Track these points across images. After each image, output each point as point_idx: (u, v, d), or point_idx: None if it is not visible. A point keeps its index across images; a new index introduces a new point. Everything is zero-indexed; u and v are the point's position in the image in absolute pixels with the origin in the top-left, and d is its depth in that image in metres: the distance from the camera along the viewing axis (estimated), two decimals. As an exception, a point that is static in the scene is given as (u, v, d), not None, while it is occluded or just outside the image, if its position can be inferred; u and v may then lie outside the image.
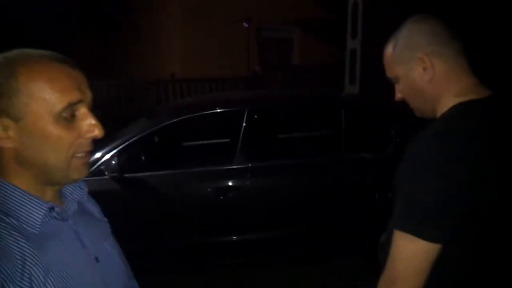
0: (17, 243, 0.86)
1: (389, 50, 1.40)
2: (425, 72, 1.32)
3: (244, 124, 3.81)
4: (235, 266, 3.89)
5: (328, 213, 3.77)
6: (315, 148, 4.04)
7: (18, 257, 0.85)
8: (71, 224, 1.00)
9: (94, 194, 3.66)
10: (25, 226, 0.90)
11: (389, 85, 1.53)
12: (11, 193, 0.91)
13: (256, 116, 3.86)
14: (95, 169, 3.64)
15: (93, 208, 1.16)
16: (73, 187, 1.06)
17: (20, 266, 0.84)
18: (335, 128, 4.01)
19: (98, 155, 3.71)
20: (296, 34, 12.92)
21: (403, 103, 1.46)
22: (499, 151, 1.25)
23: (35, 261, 0.87)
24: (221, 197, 3.63)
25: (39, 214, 0.93)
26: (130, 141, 3.72)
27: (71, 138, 0.93)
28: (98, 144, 3.88)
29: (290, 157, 3.94)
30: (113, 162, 3.57)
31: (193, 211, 3.70)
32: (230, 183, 3.70)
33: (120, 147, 3.68)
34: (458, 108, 1.28)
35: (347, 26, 5.93)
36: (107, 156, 3.65)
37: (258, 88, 8.89)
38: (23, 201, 0.92)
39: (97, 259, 1.02)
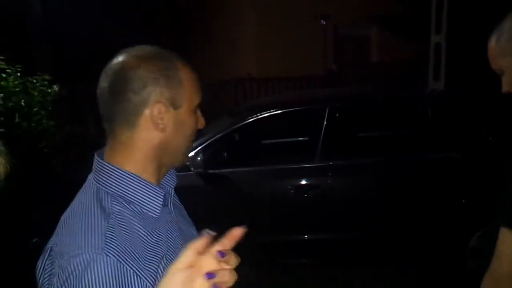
0: (140, 229, 0.93)
1: (492, 42, 1.35)
2: None
3: (325, 122, 3.79)
4: (314, 265, 3.87)
5: (410, 215, 3.65)
6: (399, 147, 3.93)
7: (142, 244, 0.92)
8: (171, 209, 1.06)
9: (181, 189, 3.80)
10: (147, 211, 0.97)
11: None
12: (133, 182, 0.98)
13: (337, 114, 3.83)
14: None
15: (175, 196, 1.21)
16: (168, 174, 1.11)
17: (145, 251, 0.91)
18: (420, 127, 3.88)
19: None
20: (373, 31, 12.64)
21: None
22: None
23: (154, 246, 0.93)
24: (305, 195, 3.64)
25: (160, 200, 1.00)
26: (214, 138, 3.83)
27: (195, 128, 1.05)
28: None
29: (372, 156, 3.87)
30: (198, 158, 3.69)
31: (273, 208, 3.74)
32: (310, 181, 3.70)
33: (205, 144, 3.80)
34: None
35: (431, 21, 5.72)
36: (193, 153, 3.78)
37: (334, 86, 8.81)
38: (145, 189, 0.98)
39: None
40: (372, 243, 3.75)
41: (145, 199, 0.98)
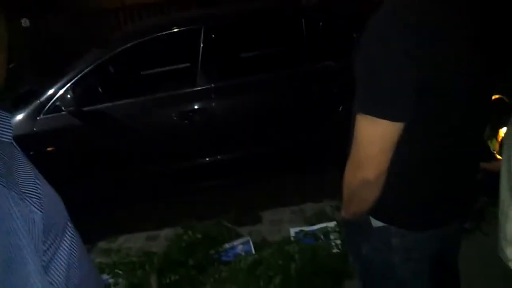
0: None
1: None
2: None
3: (202, 44, 3.65)
4: (208, 188, 3.88)
5: (294, 128, 3.74)
6: (278, 62, 3.93)
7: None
8: None
9: (54, 131, 3.49)
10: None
11: None
12: None
13: (213, 35, 3.69)
14: (50, 105, 3.47)
15: None
16: None
17: None
18: (296, 39, 3.89)
19: (51, 91, 3.52)
20: None
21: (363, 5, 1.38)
22: (465, 20, 1.20)
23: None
24: (186, 121, 3.55)
25: (10, 122, 0.81)
26: (84, 72, 3.53)
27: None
28: (50, 79, 3.68)
29: (253, 74, 3.83)
30: (69, 96, 3.40)
31: (159, 137, 3.62)
32: (194, 106, 3.60)
33: (74, 79, 3.49)
34: None
35: None
36: (62, 91, 3.47)
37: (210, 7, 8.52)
38: None
39: None
40: (265, 158, 3.81)
41: None
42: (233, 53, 4.49)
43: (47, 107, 3.47)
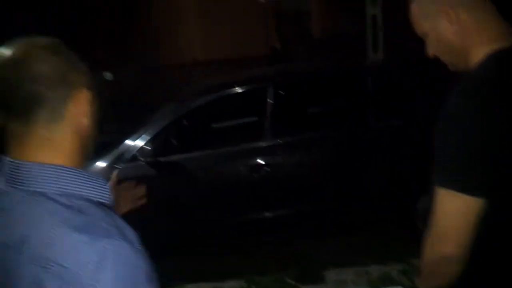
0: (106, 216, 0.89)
1: (414, 5, 1.38)
2: (451, 26, 1.29)
3: (270, 101, 3.83)
4: (268, 241, 3.94)
5: (358, 185, 3.77)
6: (343, 119, 4.03)
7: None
8: None
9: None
10: (100, 200, 0.92)
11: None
12: (74, 175, 0.91)
13: (281, 92, 3.87)
14: (129, 155, 3.73)
15: None
16: None
17: None
18: (362, 98, 3.98)
19: (131, 142, 3.80)
20: (313, 4, 12.73)
21: (433, 64, 1.44)
22: None
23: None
24: (254, 174, 3.68)
25: (107, 186, 0.95)
26: (161, 125, 3.79)
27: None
28: (129, 130, 3.97)
29: (319, 130, 3.95)
30: (147, 147, 3.65)
31: (228, 189, 3.77)
32: (261, 160, 3.74)
33: (152, 132, 3.75)
34: (488, 59, 1.26)
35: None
36: (140, 142, 3.73)
37: (279, 64, 8.85)
38: (91, 180, 0.93)
39: None
40: (328, 214, 3.85)
41: (94, 188, 0.92)
42: (300, 110, 4.64)
43: (126, 156, 3.74)
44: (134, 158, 3.73)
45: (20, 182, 0.88)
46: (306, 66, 4.43)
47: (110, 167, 3.74)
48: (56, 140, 0.92)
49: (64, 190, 0.88)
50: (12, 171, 0.89)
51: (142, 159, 3.66)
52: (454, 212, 1.21)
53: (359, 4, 6.36)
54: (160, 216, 3.76)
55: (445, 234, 1.23)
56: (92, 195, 0.91)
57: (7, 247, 0.85)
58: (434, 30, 1.33)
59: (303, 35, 12.69)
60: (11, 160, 0.90)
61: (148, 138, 3.74)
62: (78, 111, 0.93)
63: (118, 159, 3.76)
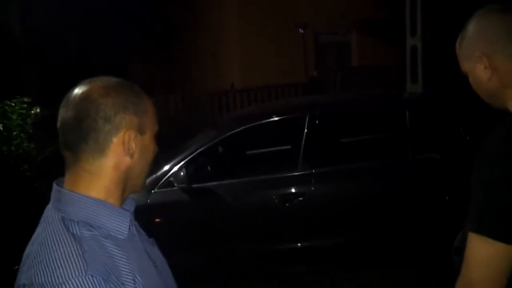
0: (113, 249, 0.96)
1: (457, 44, 1.38)
2: (485, 71, 1.28)
3: (305, 130, 3.83)
4: (308, 272, 3.88)
5: (395, 217, 3.69)
6: (380, 151, 3.98)
7: (117, 263, 0.94)
8: (134, 231, 1.09)
9: (166, 205, 3.77)
10: (115, 234, 1.00)
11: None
12: (100, 208, 1.00)
13: (317, 122, 3.87)
14: (164, 180, 3.78)
15: None
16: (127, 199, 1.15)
17: (119, 271, 0.94)
18: (400, 130, 3.93)
19: (167, 167, 3.86)
20: (353, 36, 12.79)
21: (473, 98, 1.43)
22: None
23: (128, 265, 0.96)
24: (287, 204, 3.66)
25: (127, 222, 1.03)
26: (197, 152, 3.84)
27: (155, 153, 1.11)
28: (166, 156, 4.04)
29: (354, 161, 3.90)
30: (182, 173, 3.70)
31: (259, 218, 3.76)
32: (294, 190, 3.72)
33: (188, 158, 3.80)
34: None
35: (405, 23, 5.80)
36: (176, 168, 3.78)
37: (317, 93, 8.88)
38: (113, 213, 1.01)
39: (155, 264, 1.09)
40: (362, 247, 3.77)
41: (113, 222, 1.00)
42: (335, 140, 4.61)
43: (161, 181, 3.80)
44: (169, 184, 3.78)
45: (56, 205, 1.00)
46: (343, 97, 4.41)
47: (147, 192, 3.80)
48: (95, 173, 1.01)
49: (82, 219, 0.97)
50: (54, 195, 1.02)
51: (176, 184, 3.70)
52: (487, 259, 1.18)
53: (399, 35, 6.35)
54: (190, 244, 3.77)
55: (477, 282, 1.20)
56: (110, 229, 0.99)
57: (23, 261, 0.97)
58: (471, 72, 1.34)
59: (342, 65, 12.72)
60: (57, 187, 1.03)
61: (183, 163, 3.79)
62: (121, 150, 1.01)
63: (154, 183, 3.81)
